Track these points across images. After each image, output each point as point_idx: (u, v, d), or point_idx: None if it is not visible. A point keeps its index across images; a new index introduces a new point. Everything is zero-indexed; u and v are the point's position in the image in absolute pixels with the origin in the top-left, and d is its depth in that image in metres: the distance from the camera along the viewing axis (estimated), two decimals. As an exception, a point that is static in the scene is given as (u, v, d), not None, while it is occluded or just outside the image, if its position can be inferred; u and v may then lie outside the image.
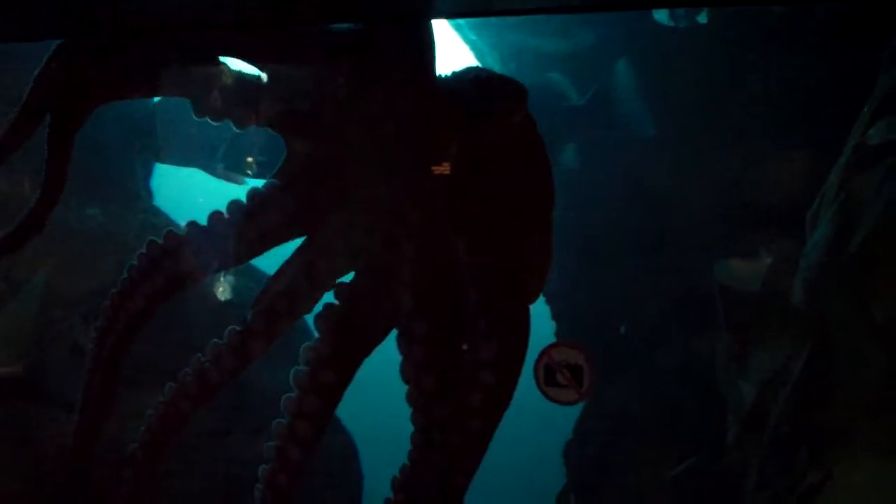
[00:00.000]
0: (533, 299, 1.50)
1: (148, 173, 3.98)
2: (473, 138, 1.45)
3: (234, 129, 1.48)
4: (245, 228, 1.45)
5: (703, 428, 3.11)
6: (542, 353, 1.62)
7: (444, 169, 1.45)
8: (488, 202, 1.46)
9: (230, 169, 3.64)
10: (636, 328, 3.30)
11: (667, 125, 3.20)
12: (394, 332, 1.44)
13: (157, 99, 3.41)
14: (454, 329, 1.42)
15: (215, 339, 1.46)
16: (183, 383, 1.45)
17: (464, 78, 1.49)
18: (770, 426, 2.76)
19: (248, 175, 3.42)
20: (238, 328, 1.45)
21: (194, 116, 1.47)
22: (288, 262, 1.49)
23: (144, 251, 1.46)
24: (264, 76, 1.48)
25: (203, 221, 1.48)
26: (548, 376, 1.60)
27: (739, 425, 2.89)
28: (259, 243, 1.47)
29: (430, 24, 1.46)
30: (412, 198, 1.43)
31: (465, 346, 1.43)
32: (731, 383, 2.86)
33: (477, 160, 1.46)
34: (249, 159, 3.42)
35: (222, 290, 3.13)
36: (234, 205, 1.45)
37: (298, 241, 1.49)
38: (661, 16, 3.37)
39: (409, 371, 1.40)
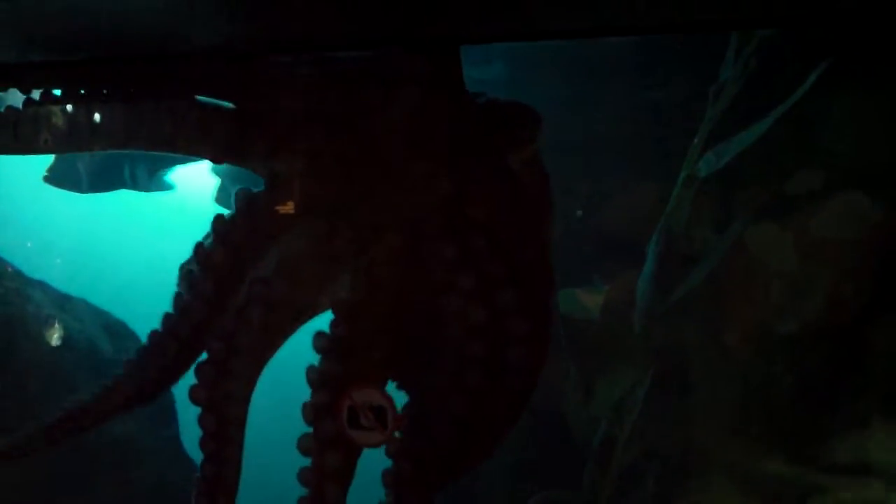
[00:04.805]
0: None
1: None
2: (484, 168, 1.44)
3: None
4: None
5: (563, 460, 3.10)
6: (344, 396, 1.57)
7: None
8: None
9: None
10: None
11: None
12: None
13: None
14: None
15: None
16: None
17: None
18: (617, 454, 2.77)
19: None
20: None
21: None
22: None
23: None
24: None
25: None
26: (351, 419, 1.55)
27: (591, 456, 2.89)
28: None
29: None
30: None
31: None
32: (579, 414, 2.86)
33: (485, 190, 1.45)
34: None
35: (56, 335, 2.98)
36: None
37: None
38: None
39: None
